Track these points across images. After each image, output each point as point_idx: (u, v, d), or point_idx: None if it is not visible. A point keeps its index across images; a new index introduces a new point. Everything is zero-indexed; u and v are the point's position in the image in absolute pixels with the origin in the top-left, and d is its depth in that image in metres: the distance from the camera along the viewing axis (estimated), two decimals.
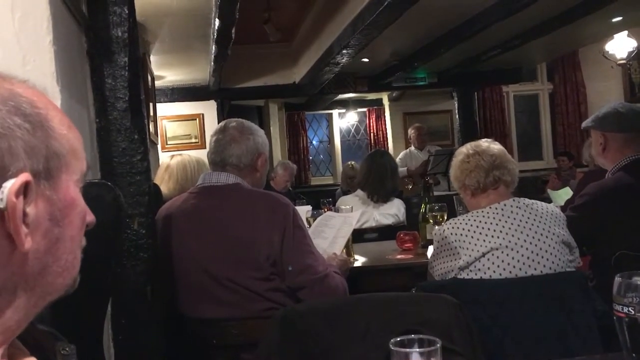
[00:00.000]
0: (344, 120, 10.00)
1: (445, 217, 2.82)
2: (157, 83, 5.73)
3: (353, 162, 6.63)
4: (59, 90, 1.46)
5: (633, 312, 0.82)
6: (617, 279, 0.85)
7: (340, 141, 9.93)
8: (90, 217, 0.74)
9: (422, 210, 3.02)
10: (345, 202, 3.51)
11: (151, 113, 4.57)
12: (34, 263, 0.65)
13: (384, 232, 3.38)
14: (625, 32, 6.74)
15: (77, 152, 0.71)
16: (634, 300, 0.83)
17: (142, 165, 1.77)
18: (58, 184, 0.67)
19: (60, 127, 0.68)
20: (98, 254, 1.28)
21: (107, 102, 1.73)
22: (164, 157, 3.45)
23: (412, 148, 6.97)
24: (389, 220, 3.49)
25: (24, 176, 0.61)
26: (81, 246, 0.72)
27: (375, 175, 3.52)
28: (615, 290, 0.85)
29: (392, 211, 3.51)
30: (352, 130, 10.13)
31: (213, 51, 4.56)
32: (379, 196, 3.50)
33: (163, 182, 2.96)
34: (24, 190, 0.62)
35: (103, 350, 1.43)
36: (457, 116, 8.14)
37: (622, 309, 0.83)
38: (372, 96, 9.51)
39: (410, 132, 7.02)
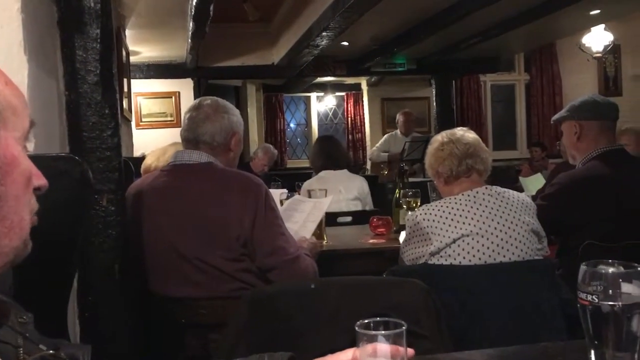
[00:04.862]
0: (321, 104, 9.98)
1: (419, 203, 2.83)
2: (133, 59, 5.62)
3: None
4: (26, 60, 1.41)
5: (597, 301, 0.83)
6: (583, 267, 0.86)
7: (318, 124, 9.91)
8: (41, 181, 0.72)
9: (396, 195, 3.03)
10: (310, 185, 3.48)
11: (125, 89, 4.48)
12: None
13: (358, 217, 3.39)
14: (602, 26, 6.81)
15: (16, 108, 0.68)
16: (598, 288, 0.83)
17: (113, 140, 1.73)
18: None
19: None
20: (64, 229, 1.26)
21: (78, 75, 1.68)
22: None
23: (398, 132, 6.92)
24: (357, 207, 3.49)
25: None
26: (31, 209, 0.70)
27: (328, 152, 3.62)
28: (580, 278, 0.85)
29: (354, 193, 3.50)
30: (330, 114, 10.11)
31: (190, 28, 4.48)
32: (340, 168, 3.57)
33: (157, 154, 2.84)
34: None
35: (67, 326, 1.41)
36: (434, 103, 8.17)
37: (586, 297, 0.84)
38: (350, 80, 9.49)
39: (398, 117, 6.92)
